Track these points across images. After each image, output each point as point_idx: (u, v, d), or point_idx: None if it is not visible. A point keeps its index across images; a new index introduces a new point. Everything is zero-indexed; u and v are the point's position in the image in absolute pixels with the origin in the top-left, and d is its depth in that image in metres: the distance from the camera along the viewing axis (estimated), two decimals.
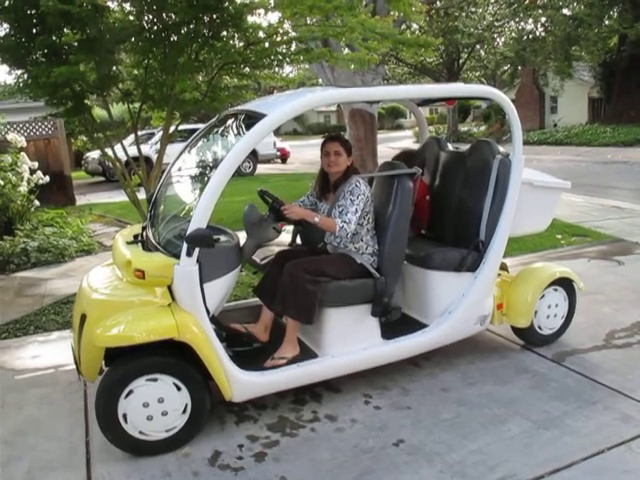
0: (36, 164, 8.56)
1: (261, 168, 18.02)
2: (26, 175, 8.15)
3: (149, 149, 12.97)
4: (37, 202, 8.27)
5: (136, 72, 5.07)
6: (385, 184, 3.51)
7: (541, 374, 3.58)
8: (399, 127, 46.97)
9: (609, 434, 2.88)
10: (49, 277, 6.18)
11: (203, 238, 2.65)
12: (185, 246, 2.69)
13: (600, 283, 5.15)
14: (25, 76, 4.62)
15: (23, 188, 7.86)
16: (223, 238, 3.15)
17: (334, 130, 45.25)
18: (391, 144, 24.41)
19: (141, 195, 5.75)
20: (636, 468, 2.62)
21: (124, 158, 5.79)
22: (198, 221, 2.68)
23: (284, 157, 21.69)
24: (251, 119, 2.98)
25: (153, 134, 15.37)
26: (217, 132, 3.61)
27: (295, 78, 10.57)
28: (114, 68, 4.81)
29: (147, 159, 5.74)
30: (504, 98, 3.57)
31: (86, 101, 4.89)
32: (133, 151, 6.02)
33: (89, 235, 7.95)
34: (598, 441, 2.82)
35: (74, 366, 3.81)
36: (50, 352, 4.23)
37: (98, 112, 7.41)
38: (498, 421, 3.06)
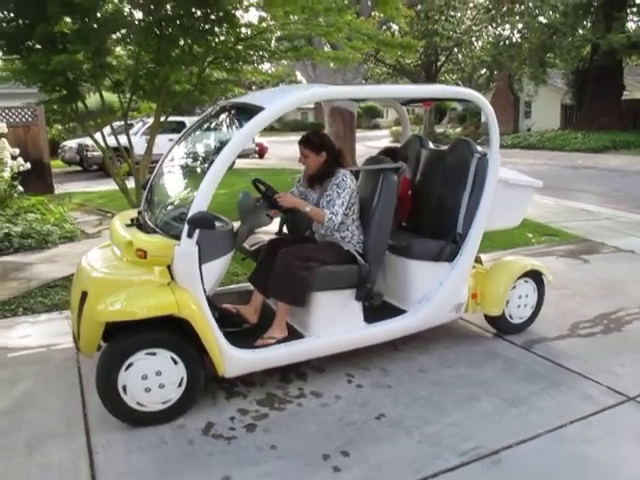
0: (17, 150, 8.56)
1: (239, 162, 18.06)
2: (8, 161, 8.15)
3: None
4: (21, 188, 8.27)
5: (129, 62, 5.18)
6: (371, 178, 3.72)
7: (511, 359, 3.84)
8: (376, 127, 47.38)
9: (571, 411, 3.15)
10: (34, 262, 6.24)
11: (205, 220, 2.83)
12: (186, 228, 2.86)
13: (567, 279, 5.45)
14: (20, 62, 4.71)
15: (6, 174, 7.87)
16: (219, 223, 3.33)
17: (311, 127, 45.43)
18: (368, 143, 24.68)
19: (129, 184, 5.89)
20: (594, 439, 2.90)
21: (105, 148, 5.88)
22: (199, 205, 2.86)
23: (262, 152, 21.82)
24: (248, 112, 3.15)
25: (132, 125, 15.36)
26: (213, 124, 3.77)
27: (277, 74, 10.74)
28: (108, 58, 4.92)
29: (125, 149, 5.81)
30: (483, 101, 3.82)
31: (80, 89, 4.99)
32: (111, 141, 6.11)
33: (71, 223, 7.99)
34: (561, 416, 3.08)
35: (65, 345, 3.99)
36: (40, 332, 4.34)
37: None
38: (471, 399, 3.30)
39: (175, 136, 15.04)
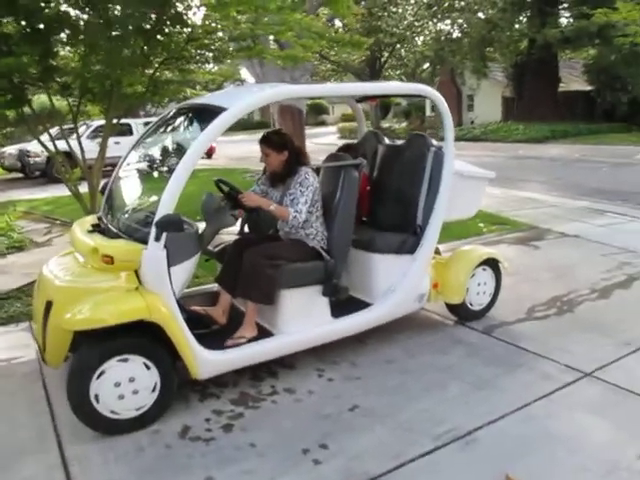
0: None
1: None
2: None
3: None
4: None
5: (77, 64, 5.05)
6: (332, 174, 3.78)
7: (474, 344, 3.99)
8: (322, 123, 47.59)
9: (534, 390, 3.30)
10: None
11: (173, 222, 2.82)
12: (154, 231, 2.84)
13: (519, 265, 5.67)
14: None
15: None
16: (184, 226, 3.31)
17: (258, 126, 45.16)
18: (315, 140, 24.81)
19: (81, 189, 5.74)
20: (557, 414, 3.06)
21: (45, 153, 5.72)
22: (166, 207, 2.85)
23: (210, 152, 21.53)
24: (209, 113, 3.14)
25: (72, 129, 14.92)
26: (172, 125, 3.74)
27: (225, 74, 10.67)
28: (55, 60, 4.78)
29: (68, 154, 5.65)
30: (437, 96, 3.95)
31: (26, 92, 4.83)
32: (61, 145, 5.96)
33: (18, 232, 7.72)
34: (525, 396, 3.23)
35: (27, 358, 3.89)
36: None
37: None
38: (439, 385, 3.41)
39: (122, 139, 14.67)
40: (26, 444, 2.94)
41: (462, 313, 4.35)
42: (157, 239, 2.86)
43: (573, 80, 29.12)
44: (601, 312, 4.48)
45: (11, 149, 16.31)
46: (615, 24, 16.68)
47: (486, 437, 2.86)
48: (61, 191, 9.49)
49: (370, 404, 3.22)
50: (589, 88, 26.39)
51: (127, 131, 15.44)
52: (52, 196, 11.79)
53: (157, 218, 2.82)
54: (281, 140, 3.62)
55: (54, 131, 8.14)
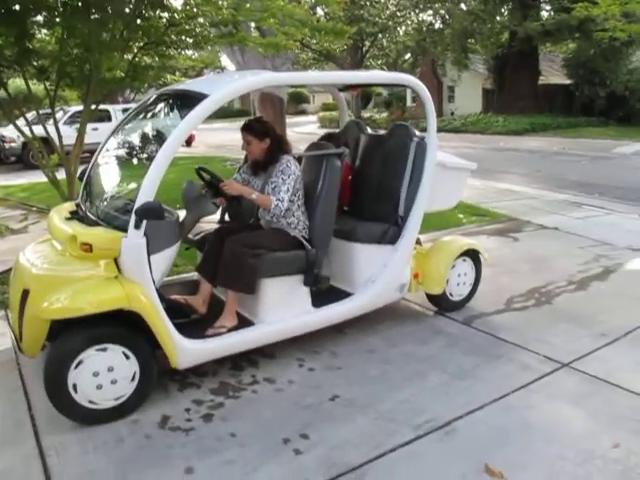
0: None
1: None
2: None
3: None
4: None
5: (55, 47, 4.93)
6: (314, 163, 3.76)
7: (454, 335, 4.01)
8: (303, 112, 47.38)
9: (512, 380, 3.33)
10: None
11: (153, 210, 2.77)
12: (133, 219, 2.79)
13: (499, 256, 5.72)
14: None
15: None
16: (164, 214, 3.26)
17: (238, 114, 44.75)
18: (296, 129, 24.70)
19: (60, 175, 5.63)
20: (535, 405, 3.09)
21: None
22: (146, 195, 2.80)
23: (189, 140, 21.30)
24: (190, 99, 3.09)
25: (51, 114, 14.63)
26: (152, 111, 3.68)
27: (206, 60, 10.54)
28: (31, 43, 4.66)
29: (44, 139, 5.51)
30: (421, 85, 3.93)
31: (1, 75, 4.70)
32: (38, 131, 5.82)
33: None
34: (504, 386, 3.26)
35: (2, 347, 3.81)
36: None
37: None
38: (420, 375, 3.43)
39: (100, 125, 14.43)
40: (2, 434, 2.89)
41: (442, 303, 4.37)
42: (137, 227, 2.81)
43: (553, 74, 29.37)
44: (578, 303, 4.54)
45: None
46: (595, 18, 16.86)
47: (465, 427, 2.88)
48: (38, 177, 9.30)
49: (351, 394, 3.22)
50: (568, 82, 26.64)
51: (106, 117, 15.19)
52: (28, 182, 11.56)
53: (137, 205, 2.77)
54: (263, 128, 3.58)
55: (31, 116, 7.96)
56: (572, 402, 3.11)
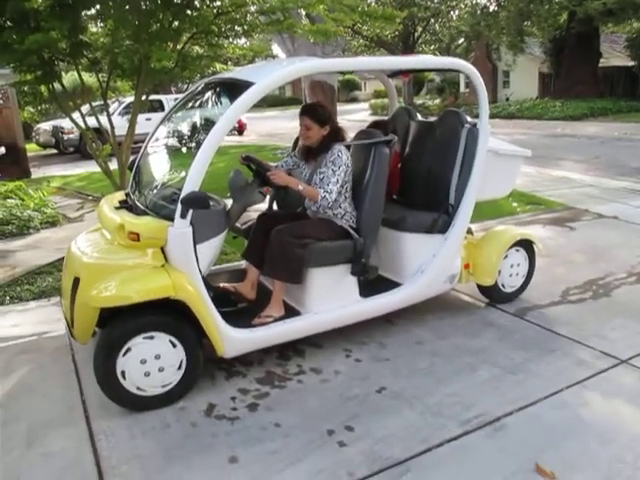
0: None
1: None
2: None
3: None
4: None
5: (106, 40, 5.03)
6: (363, 151, 3.68)
7: (505, 327, 3.88)
8: (354, 100, 47.09)
9: (567, 376, 3.19)
10: (16, 249, 6.12)
11: (198, 200, 2.78)
12: (180, 208, 2.80)
13: (554, 246, 5.51)
14: None
15: None
16: (211, 202, 3.27)
17: (290, 102, 44.89)
18: (347, 116, 24.52)
19: (112, 165, 5.76)
20: (590, 402, 2.95)
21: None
22: (192, 184, 2.80)
23: (241, 129, 21.55)
24: (237, 88, 3.07)
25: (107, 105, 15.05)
26: (199, 101, 3.68)
27: (256, 49, 10.54)
28: (84, 35, 4.76)
29: (97, 130, 5.64)
30: (472, 70, 3.79)
31: (55, 68, 4.83)
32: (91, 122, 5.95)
33: (52, 207, 7.84)
34: (558, 382, 3.13)
35: (57, 332, 3.94)
36: (30, 320, 4.26)
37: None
38: (469, 368, 3.33)
39: (153, 115, 14.80)
40: (54, 417, 2.98)
41: (494, 295, 4.24)
42: (183, 216, 2.82)
43: (614, 55, 28.05)
44: (639, 297, 4.31)
45: (45, 125, 16.57)
46: None
47: (516, 424, 2.77)
48: (94, 167, 9.57)
49: (398, 386, 3.16)
50: (631, 64, 25.36)
51: (158, 107, 15.52)
52: (85, 172, 11.95)
53: (183, 195, 2.78)
54: (326, 114, 3.52)
55: (86, 108, 8.17)
56: (630, 401, 2.95)
